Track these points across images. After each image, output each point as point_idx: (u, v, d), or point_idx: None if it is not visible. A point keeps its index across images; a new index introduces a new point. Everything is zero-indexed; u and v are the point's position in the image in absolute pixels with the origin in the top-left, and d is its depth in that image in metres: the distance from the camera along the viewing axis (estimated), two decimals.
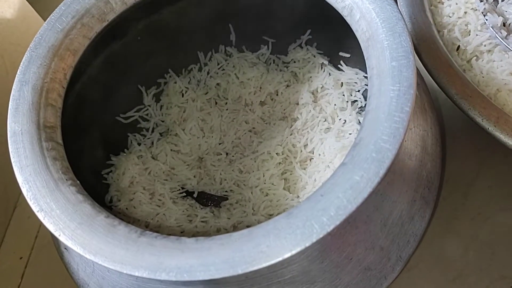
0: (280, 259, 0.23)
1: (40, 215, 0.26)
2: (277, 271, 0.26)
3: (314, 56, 0.44)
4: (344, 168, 0.25)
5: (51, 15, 0.32)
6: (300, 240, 0.23)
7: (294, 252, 0.23)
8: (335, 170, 0.25)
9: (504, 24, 0.38)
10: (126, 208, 0.40)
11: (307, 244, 0.23)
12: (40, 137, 0.29)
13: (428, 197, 0.31)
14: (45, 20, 0.32)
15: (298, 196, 0.41)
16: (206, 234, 0.40)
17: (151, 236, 0.25)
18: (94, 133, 0.42)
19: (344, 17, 0.30)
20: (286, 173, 0.42)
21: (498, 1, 0.39)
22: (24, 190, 0.27)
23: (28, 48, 0.31)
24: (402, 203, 0.29)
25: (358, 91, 0.42)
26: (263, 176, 0.42)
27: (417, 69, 0.36)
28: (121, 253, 0.24)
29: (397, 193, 0.29)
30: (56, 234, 0.25)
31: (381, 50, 0.27)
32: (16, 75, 0.30)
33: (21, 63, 0.30)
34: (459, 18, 0.39)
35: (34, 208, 0.26)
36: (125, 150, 0.44)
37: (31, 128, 0.29)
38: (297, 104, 0.44)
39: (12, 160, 0.28)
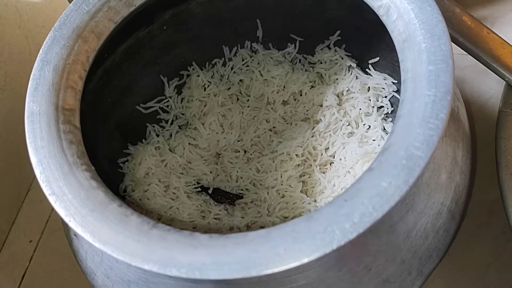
0: (297, 263, 0.22)
1: (51, 199, 0.25)
2: (291, 276, 0.25)
3: (342, 58, 0.43)
4: (371, 173, 0.23)
5: None
6: (319, 246, 0.22)
7: (312, 258, 0.21)
8: (360, 175, 0.24)
9: None
10: (140, 199, 0.40)
11: (327, 251, 0.21)
12: (57, 119, 0.28)
13: (455, 211, 0.29)
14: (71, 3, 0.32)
15: (315, 200, 0.39)
16: (219, 231, 0.39)
17: (164, 229, 0.24)
18: (113, 120, 0.41)
19: (380, 17, 0.29)
20: (304, 175, 0.41)
21: None
22: (37, 172, 0.26)
23: (52, 28, 0.30)
24: (428, 215, 0.28)
25: (385, 97, 0.41)
26: (281, 177, 0.40)
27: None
28: (131, 244, 0.23)
29: (424, 204, 0.27)
30: (66, 219, 0.25)
31: (418, 52, 0.26)
32: (38, 54, 0.30)
33: (44, 42, 0.30)
34: None
35: (46, 191, 0.26)
36: (143, 140, 0.43)
37: (49, 109, 0.28)
38: (321, 106, 0.43)
39: (28, 140, 0.27)
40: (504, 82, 0.36)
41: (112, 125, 0.41)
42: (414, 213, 0.27)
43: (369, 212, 0.22)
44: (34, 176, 0.27)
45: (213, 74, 0.46)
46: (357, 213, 0.22)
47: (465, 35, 0.34)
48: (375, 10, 0.29)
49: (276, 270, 0.22)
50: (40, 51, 0.30)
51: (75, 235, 0.33)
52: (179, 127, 0.44)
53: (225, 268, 0.22)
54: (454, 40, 0.35)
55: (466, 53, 0.41)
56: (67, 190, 0.25)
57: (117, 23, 0.32)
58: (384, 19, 0.29)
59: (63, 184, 0.26)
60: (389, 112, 0.41)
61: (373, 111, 0.41)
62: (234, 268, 0.22)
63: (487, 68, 0.36)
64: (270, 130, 0.43)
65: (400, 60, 0.27)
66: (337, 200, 0.23)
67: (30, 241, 0.46)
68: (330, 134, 0.41)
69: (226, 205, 0.41)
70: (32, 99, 0.28)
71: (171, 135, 0.44)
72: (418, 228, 0.27)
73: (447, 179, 0.29)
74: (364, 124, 0.41)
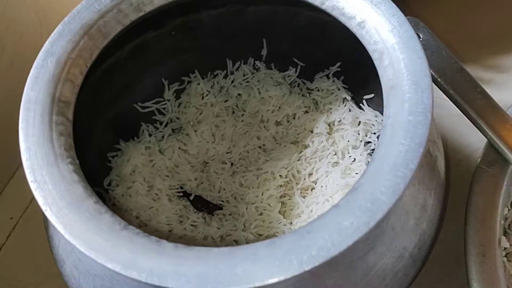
0: (251, 286, 0.23)
1: (32, 186, 0.26)
2: None
3: (339, 89, 0.44)
4: (336, 210, 0.24)
5: None
6: (276, 272, 0.23)
7: (267, 283, 0.22)
8: (326, 210, 0.25)
9: None
10: (122, 195, 0.41)
11: (281, 278, 0.22)
12: (52, 110, 0.29)
13: (417, 257, 0.30)
14: None
15: (291, 223, 0.40)
16: (193, 238, 0.40)
17: (133, 232, 0.25)
18: (109, 115, 0.42)
19: (374, 60, 0.30)
20: (285, 196, 0.42)
21: None
22: (23, 158, 0.27)
23: (62, 21, 0.32)
24: (388, 257, 0.29)
25: (374, 133, 0.42)
26: (262, 194, 0.41)
27: (436, 127, 0.36)
28: (99, 242, 0.25)
29: (386, 246, 0.28)
30: (43, 208, 0.26)
31: (401, 101, 0.27)
32: (44, 45, 0.31)
33: (52, 34, 0.31)
34: None
35: (29, 177, 0.27)
36: (135, 138, 0.45)
37: (45, 99, 0.29)
38: (311, 131, 0.44)
39: (20, 126, 0.28)
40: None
41: (108, 119, 0.42)
42: (376, 253, 0.28)
43: (327, 248, 0.23)
44: None
45: (213, 84, 0.47)
46: (316, 246, 0.23)
47: (456, 89, 0.35)
48: (370, 53, 0.30)
49: None
50: (46, 42, 0.31)
51: None
52: (173, 130, 0.46)
53: (183, 279, 0.23)
54: (445, 91, 0.36)
55: None
56: (49, 179, 0.27)
57: (125, 26, 0.33)
58: (376, 63, 0.30)
59: (45, 173, 0.27)
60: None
61: (360, 145, 0.42)
62: (191, 281, 0.23)
63: None
64: (260, 147, 0.44)
65: (384, 105, 0.28)
66: (301, 231, 0.24)
67: (11, 218, 0.47)
68: (315, 161, 0.42)
69: (204, 214, 0.42)
70: (31, 87, 0.29)
71: (163, 137, 0.45)
72: (377, 268, 0.28)
73: (414, 225, 0.30)
74: (350, 156, 0.42)
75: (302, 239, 0.24)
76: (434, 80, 0.37)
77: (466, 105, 0.35)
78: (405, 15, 0.30)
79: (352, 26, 0.32)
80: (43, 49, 0.31)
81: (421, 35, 0.38)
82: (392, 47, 0.29)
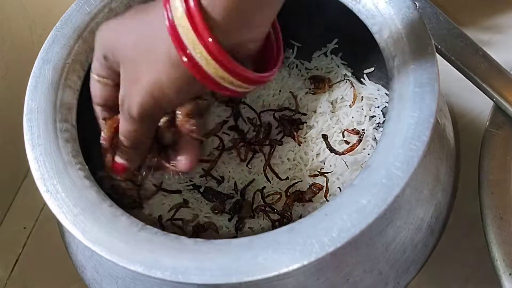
0: (276, 273, 0.23)
1: (45, 196, 0.26)
2: (272, 283, 0.26)
3: (338, 66, 0.44)
4: (352, 189, 0.24)
5: None
6: (298, 258, 0.23)
7: (291, 268, 0.23)
8: (342, 189, 0.25)
9: None
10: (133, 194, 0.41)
11: (305, 262, 0.23)
12: (55, 118, 0.29)
13: (434, 227, 0.30)
14: None
15: (303, 205, 0.40)
16: (208, 230, 0.40)
17: (151, 232, 0.25)
18: None
19: (373, 34, 0.30)
20: (294, 179, 0.42)
21: None
22: (33, 169, 0.27)
23: (54, 27, 0.31)
24: (407, 230, 0.29)
25: (378, 107, 0.42)
26: (271, 179, 0.41)
27: (440, 94, 0.35)
28: (119, 245, 0.25)
29: (404, 219, 0.28)
30: (58, 217, 0.26)
31: (406, 73, 0.27)
32: (39, 53, 0.30)
33: (46, 41, 0.31)
34: None
35: (41, 188, 0.27)
36: None
37: (47, 108, 0.29)
38: (315, 112, 0.43)
39: (25, 137, 0.28)
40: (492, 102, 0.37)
41: None
42: (394, 227, 0.28)
43: (347, 228, 0.23)
44: None
45: None
46: (336, 228, 0.23)
47: (458, 54, 0.35)
48: (369, 27, 0.30)
49: (255, 278, 0.23)
50: (41, 50, 0.30)
51: None
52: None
53: (207, 273, 0.23)
54: (446, 58, 0.36)
55: None
56: (61, 188, 0.26)
57: None
58: (377, 37, 0.29)
59: (57, 182, 0.27)
60: (381, 122, 0.42)
61: (365, 120, 0.42)
62: (216, 274, 0.23)
63: None
64: (264, 132, 0.44)
65: (389, 78, 0.28)
66: (318, 214, 0.24)
67: (24, 228, 0.47)
68: (321, 141, 0.42)
69: (216, 204, 0.41)
70: (31, 97, 0.29)
71: None
72: (397, 242, 0.28)
73: (429, 196, 0.30)
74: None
75: (321, 222, 0.24)
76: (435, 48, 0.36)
77: (469, 70, 0.34)
78: None
79: (348, 1, 0.31)
80: (38, 56, 0.30)
81: (417, 3, 0.37)
82: (391, 19, 0.29)
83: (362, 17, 0.30)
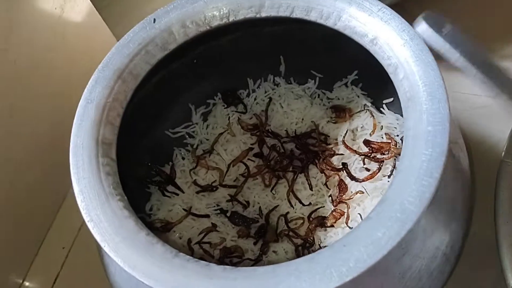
0: None
1: (90, 225, 0.29)
2: None
3: (358, 97, 0.46)
4: (368, 222, 0.26)
5: (120, 40, 0.35)
6: (318, 285, 0.25)
7: None
8: (360, 222, 0.27)
9: None
10: (164, 218, 0.43)
11: None
12: (97, 153, 0.32)
13: (450, 255, 0.32)
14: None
15: (325, 230, 0.42)
16: (234, 253, 0.42)
17: (184, 259, 0.28)
18: (143, 144, 0.45)
19: (389, 74, 0.32)
20: (317, 205, 0.44)
21: None
22: (78, 200, 0.30)
23: (96, 69, 0.34)
24: (422, 259, 0.30)
25: (397, 135, 0.44)
26: (295, 205, 0.44)
27: (456, 126, 0.37)
28: (156, 270, 0.27)
29: (419, 248, 0.30)
30: (101, 244, 0.28)
31: (420, 113, 0.29)
32: (83, 93, 0.34)
33: (89, 82, 0.34)
34: None
35: (85, 217, 0.29)
36: (170, 162, 0.47)
37: (90, 143, 0.32)
38: (336, 140, 0.46)
39: (72, 171, 0.31)
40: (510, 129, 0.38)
41: (142, 149, 0.45)
42: (410, 256, 0.30)
43: (363, 259, 0.25)
44: (70, 185, 0.31)
45: (237, 104, 0.49)
46: (353, 258, 0.25)
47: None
48: (385, 67, 0.32)
49: None
50: (85, 90, 0.34)
51: None
52: (204, 151, 0.48)
53: None
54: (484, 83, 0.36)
55: (479, 94, 0.43)
56: (103, 218, 0.29)
57: (152, 65, 0.36)
58: (392, 77, 0.31)
59: (100, 212, 0.29)
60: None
61: None
62: None
63: (497, 111, 0.38)
64: (288, 159, 0.46)
65: (404, 117, 0.30)
66: (337, 245, 0.26)
67: (63, 248, 0.50)
68: (342, 168, 0.44)
69: (242, 228, 0.44)
70: (76, 134, 0.32)
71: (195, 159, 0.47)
72: (413, 270, 0.30)
73: (444, 225, 0.31)
74: None
75: (339, 253, 0.26)
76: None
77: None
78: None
79: (365, 43, 0.33)
80: (83, 96, 0.33)
81: (444, 31, 0.38)
82: (406, 61, 0.31)
83: (378, 57, 0.32)
